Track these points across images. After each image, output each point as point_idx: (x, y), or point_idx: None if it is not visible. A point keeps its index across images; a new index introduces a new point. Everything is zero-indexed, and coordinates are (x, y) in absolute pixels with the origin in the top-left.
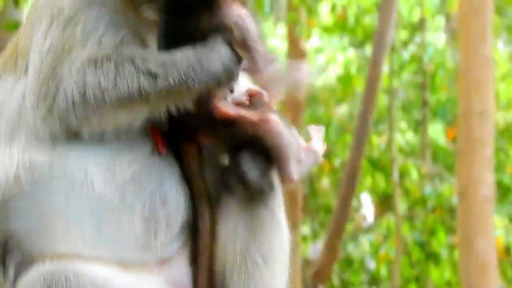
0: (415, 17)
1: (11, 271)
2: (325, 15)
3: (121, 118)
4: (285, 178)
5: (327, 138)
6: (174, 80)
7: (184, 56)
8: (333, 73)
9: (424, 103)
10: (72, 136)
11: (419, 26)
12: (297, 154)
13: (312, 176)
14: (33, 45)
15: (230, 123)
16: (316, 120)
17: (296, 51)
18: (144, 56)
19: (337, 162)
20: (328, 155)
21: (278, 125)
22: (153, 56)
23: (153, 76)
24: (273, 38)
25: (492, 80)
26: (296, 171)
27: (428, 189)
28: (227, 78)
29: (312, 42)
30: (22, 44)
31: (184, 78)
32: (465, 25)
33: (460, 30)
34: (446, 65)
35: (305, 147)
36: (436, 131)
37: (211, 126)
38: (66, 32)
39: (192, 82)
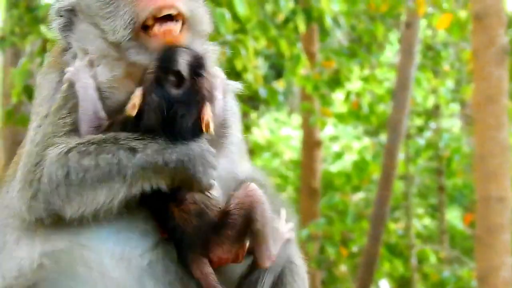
0: (430, 103)
1: None
2: (339, 103)
3: (101, 197)
4: (265, 258)
5: (344, 225)
6: (152, 156)
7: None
8: (349, 160)
9: (441, 189)
10: (57, 220)
11: (434, 113)
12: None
13: (329, 262)
14: (30, 132)
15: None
16: (332, 207)
17: (310, 140)
18: (126, 135)
19: (354, 248)
20: (345, 241)
21: (262, 197)
22: (133, 135)
23: (133, 150)
24: (287, 127)
25: (509, 166)
26: (274, 251)
27: (446, 273)
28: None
29: (327, 130)
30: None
31: (159, 156)
32: (480, 112)
33: (475, 116)
34: (461, 151)
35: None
36: (454, 216)
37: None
38: (50, 125)
39: (164, 163)
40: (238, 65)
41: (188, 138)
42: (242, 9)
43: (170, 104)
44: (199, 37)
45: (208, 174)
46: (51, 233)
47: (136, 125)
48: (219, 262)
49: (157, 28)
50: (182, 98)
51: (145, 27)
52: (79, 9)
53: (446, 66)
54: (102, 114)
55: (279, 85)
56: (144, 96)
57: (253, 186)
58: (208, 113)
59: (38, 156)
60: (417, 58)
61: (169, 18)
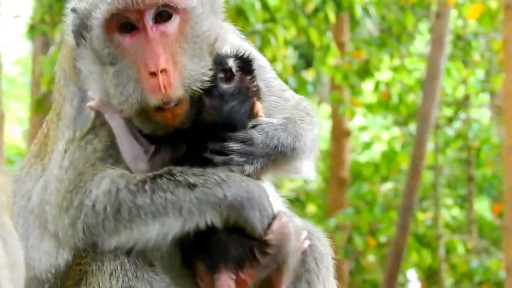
0: (460, 94)
1: None
2: (368, 93)
3: (154, 232)
4: (283, 285)
5: (372, 215)
6: (211, 188)
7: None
8: (378, 150)
9: (470, 179)
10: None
11: (463, 103)
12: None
13: (357, 252)
14: (55, 153)
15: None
16: (361, 197)
17: (339, 130)
18: (181, 170)
19: (382, 238)
20: (373, 231)
21: (292, 231)
22: (189, 170)
23: (192, 185)
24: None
25: None
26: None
27: (474, 264)
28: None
29: (356, 120)
30: (51, 135)
31: (218, 188)
32: (510, 102)
33: (505, 107)
34: (491, 141)
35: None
36: (482, 206)
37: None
38: (78, 151)
39: (224, 195)
40: (268, 54)
41: (245, 127)
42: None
43: (224, 98)
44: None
45: (263, 223)
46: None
47: (186, 139)
48: (243, 283)
49: (161, 113)
50: (233, 91)
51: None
52: (90, 27)
53: (476, 56)
54: (142, 141)
55: (309, 74)
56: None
57: (286, 219)
58: (258, 104)
59: (71, 183)
60: (447, 48)
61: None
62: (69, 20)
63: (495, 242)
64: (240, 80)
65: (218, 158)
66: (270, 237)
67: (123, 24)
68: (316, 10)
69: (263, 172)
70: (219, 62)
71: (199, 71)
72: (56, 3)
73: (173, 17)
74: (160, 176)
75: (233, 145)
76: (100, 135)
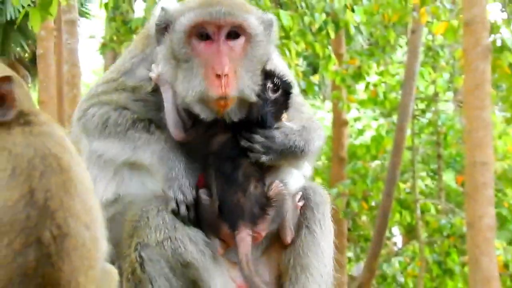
0: (430, 91)
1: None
2: (361, 92)
3: (114, 150)
4: (288, 236)
5: (365, 185)
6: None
7: None
8: (369, 136)
9: (439, 157)
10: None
11: (433, 99)
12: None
13: (354, 214)
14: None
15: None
16: (356, 172)
17: (339, 120)
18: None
19: (373, 203)
20: (365, 197)
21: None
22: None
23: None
24: (321, 111)
25: (491, 138)
26: (291, 235)
27: (443, 221)
28: None
29: (352, 113)
30: None
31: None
32: (469, 97)
33: (465, 100)
34: (455, 127)
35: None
36: (449, 178)
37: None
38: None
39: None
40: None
41: (271, 127)
42: (286, 21)
43: (266, 102)
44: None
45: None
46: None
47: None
48: (258, 236)
49: (216, 103)
50: (274, 100)
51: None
52: (172, 29)
53: (443, 63)
54: (183, 115)
55: (315, 78)
56: None
57: (280, 184)
58: (285, 114)
59: (93, 95)
60: (421, 57)
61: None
62: (156, 15)
63: (458, 205)
64: (281, 94)
65: (243, 142)
66: (271, 194)
67: (202, 33)
68: (320, 29)
69: (274, 164)
70: (271, 76)
71: (250, 83)
72: (122, 26)
73: (240, 37)
74: (136, 121)
75: (259, 138)
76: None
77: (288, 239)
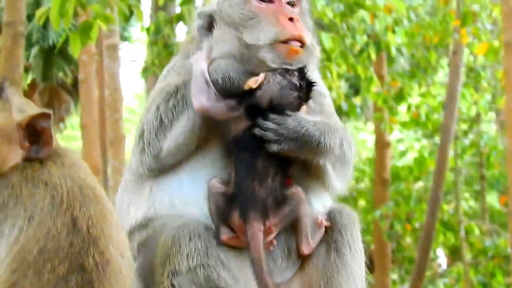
0: (473, 112)
1: None
2: (403, 113)
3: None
4: (305, 246)
5: (408, 207)
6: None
7: None
8: (411, 157)
9: (482, 178)
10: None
11: (475, 119)
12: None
13: (397, 236)
14: None
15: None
16: (399, 193)
17: (381, 142)
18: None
19: (416, 225)
20: (409, 219)
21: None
22: None
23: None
24: (364, 132)
25: None
26: (308, 246)
27: (487, 242)
28: None
29: (394, 134)
30: None
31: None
32: (511, 117)
33: (507, 121)
34: (497, 148)
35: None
36: (492, 198)
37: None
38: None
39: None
40: (325, 85)
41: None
42: (327, 43)
43: (289, 85)
44: (311, 60)
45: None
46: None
47: (244, 103)
48: (269, 230)
49: (289, 46)
50: (296, 85)
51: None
52: (219, 16)
53: (484, 83)
54: (211, 86)
55: (357, 100)
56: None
57: (298, 189)
58: (304, 106)
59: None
60: (462, 78)
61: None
62: (195, 23)
63: (502, 226)
64: (306, 83)
65: (257, 130)
66: (288, 192)
67: None
68: (361, 51)
69: (289, 153)
70: (300, 67)
71: (312, 44)
72: (163, 50)
73: (295, 7)
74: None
75: (271, 125)
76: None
77: (305, 248)
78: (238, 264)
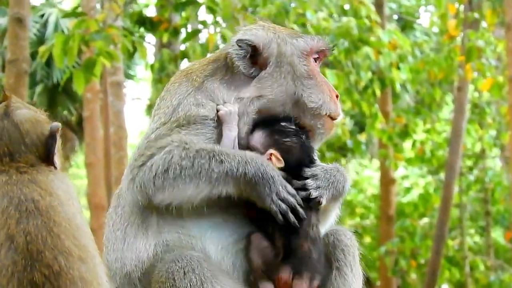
0: (477, 148)
1: None
2: (408, 150)
3: (189, 192)
4: None
5: (413, 243)
6: (235, 166)
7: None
8: (416, 193)
9: (487, 213)
10: (148, 205)
11: (480, 155)
12: None
13: (403, 272)
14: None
15: None
16: (404, 229)
17: (387, 179)
18: (220, 150)
19: (421, 261)
20: (414, 255)
21: None
22: (224, 150)
23: (221, 161)
24: (369, 169)
25: None
26: None
27: (493, 278)
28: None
29: (399, 171)
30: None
31: (241, 167)
32: None
33: None
34: (502, 184)
35: None
36: (497, 234)
37: None
38: (173, 131)
39: (244, 173)
40: None
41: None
42: (332, 80)
43: (304, 146)
44: None
45: (270, 197)
46: (162, 228)
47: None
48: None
49: (334, 124)
50: (308, 140)
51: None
52: (277, 59)
53: (489, 119)
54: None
55: (362, 137)
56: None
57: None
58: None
59: (145, 148)
60: (467, 114)
61: None
62: (231, 49)
63: (508, 261)
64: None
65: (301, 194)
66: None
67: (316, 57)
68: (366, 87)
69: (325, 201)
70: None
71: None
72: None
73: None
74: (203, 150)
75: (310, 182)
76: (198, 129)
77: None
78: None
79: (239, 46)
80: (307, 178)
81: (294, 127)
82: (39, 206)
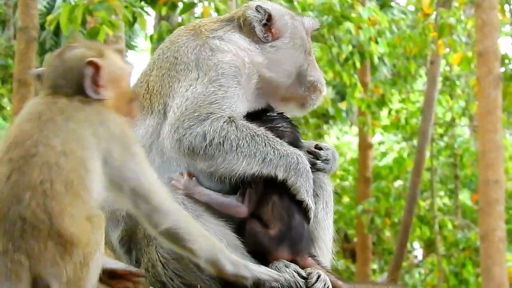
0: (448, 117)
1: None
2: (384, 118)
3: (238, 166)
4: None
5: (388, 203)
6: (289, 156)
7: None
8: (391, 158)
9: (456, 177)
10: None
11: (450, 124)
12: None
13: (378, 229)
14: (175, 92)
15: None
16: (380, 190)
17: (365, 144)
18: (273, 139)
19: (395, 219)
20: (388, 214)
21: None
22: (278, 141)
23: (277, 150)
24: (348, 135)
25: (503, 159)
26: None
27: (460, 236)
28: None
29: (376, 137)
30: (155, 87)
31: (291, 159)
32: (482, 121)
33: (479, 125)
34: (470, 150)
35: None
36: (465, 196)
37: None
38: (209, 89)
39: (289, 163)
40: None
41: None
42: (316, 52)
43: (294, 129)
44: None
45: (306, 190)
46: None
47: None
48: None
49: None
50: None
51: None
52: (292, 31)
53: (459, 91)
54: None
55: (343, 105)
56: None
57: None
58: None
59: (188, 110)
60: (439, 86)
61: None
62: (250, 12)
63: (473, 221)
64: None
65: (311, 160)
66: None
67: (312, 35)
68: (347, 59)
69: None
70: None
71: None
72: None
73: None
74: (257, 135)
75: (323, 153)
76: (224, 83)
77: None
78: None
79: (258, 11)
80: (321, 149)
81: (277, 114)
82: (43, 118)
